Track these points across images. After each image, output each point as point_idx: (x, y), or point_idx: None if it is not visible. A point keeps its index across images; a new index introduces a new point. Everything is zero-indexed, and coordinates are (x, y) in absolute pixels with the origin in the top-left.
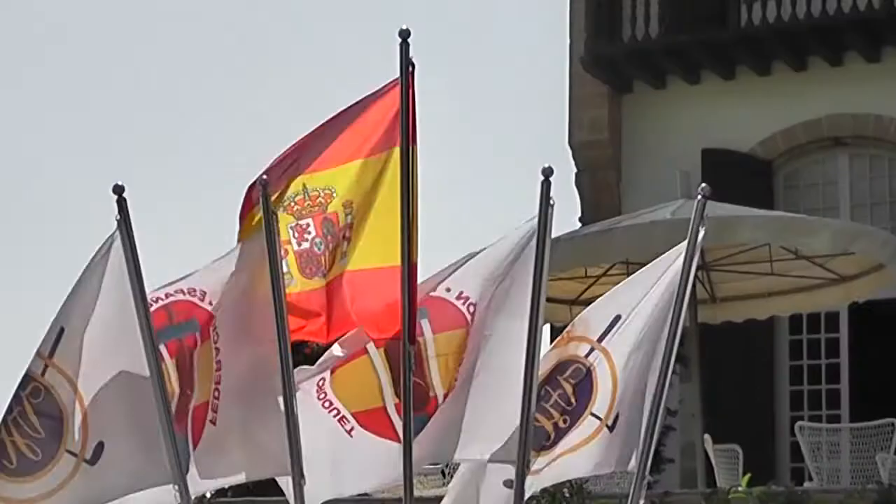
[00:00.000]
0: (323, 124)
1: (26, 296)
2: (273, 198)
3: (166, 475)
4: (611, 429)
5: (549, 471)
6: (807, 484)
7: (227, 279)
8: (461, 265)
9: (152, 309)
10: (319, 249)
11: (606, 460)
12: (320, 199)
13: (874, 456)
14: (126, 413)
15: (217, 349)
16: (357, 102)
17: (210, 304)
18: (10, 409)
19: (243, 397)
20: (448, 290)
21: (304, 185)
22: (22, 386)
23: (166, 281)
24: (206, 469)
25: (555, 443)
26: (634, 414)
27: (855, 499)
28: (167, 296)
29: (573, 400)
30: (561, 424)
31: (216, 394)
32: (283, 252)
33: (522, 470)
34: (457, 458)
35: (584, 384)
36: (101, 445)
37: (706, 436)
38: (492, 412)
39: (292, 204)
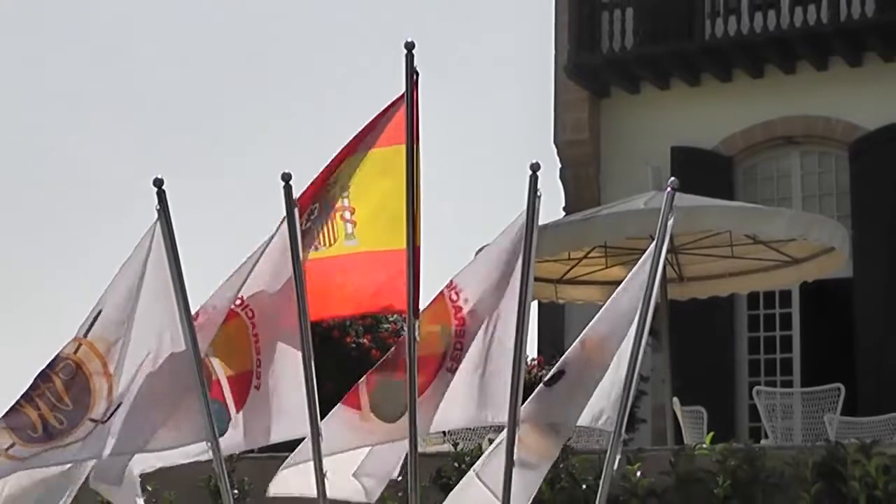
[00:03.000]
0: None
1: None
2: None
3: (198, 433)
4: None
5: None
6: (763, 441)
7: (259, 269)
8: (468, 268)
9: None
10: (317, 226)
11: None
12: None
13: (822, 417)
14: (155, 383)
15: (253, 323)
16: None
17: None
18: (35, 386)
19: (276, 367)
20: (466, 300)
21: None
22: (51, 365)
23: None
24: (251, 430)
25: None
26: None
27: (805, 454)
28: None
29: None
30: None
31: (258, 363)
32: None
33: (514, 428)
34: (463, 425)
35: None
36: (117, 408)
37: (675, 399)
38: (494, 381)
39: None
